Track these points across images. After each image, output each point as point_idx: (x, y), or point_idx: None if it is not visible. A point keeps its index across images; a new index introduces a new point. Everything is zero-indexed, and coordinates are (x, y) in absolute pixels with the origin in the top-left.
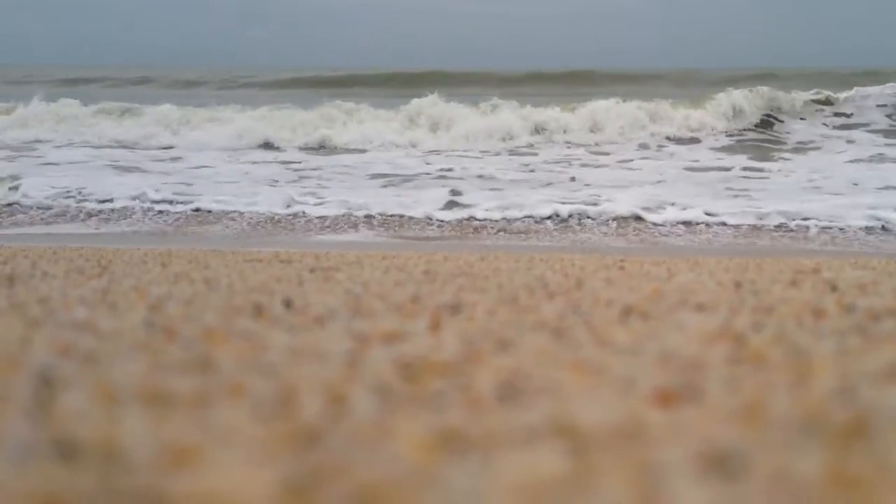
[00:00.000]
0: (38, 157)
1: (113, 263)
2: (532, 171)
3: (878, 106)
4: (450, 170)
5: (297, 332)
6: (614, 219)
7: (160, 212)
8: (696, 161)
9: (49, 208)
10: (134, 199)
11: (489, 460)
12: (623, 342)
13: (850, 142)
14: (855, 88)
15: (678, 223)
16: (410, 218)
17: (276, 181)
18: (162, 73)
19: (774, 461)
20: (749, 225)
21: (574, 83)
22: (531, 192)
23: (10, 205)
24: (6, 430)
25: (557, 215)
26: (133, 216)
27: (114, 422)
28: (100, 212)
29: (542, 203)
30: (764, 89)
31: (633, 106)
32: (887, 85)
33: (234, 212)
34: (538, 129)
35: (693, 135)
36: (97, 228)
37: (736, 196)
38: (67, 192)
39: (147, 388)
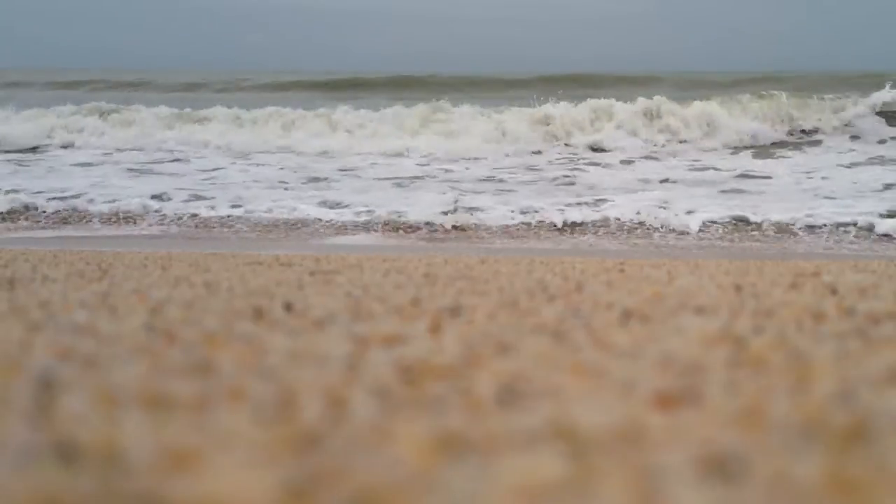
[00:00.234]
0: (44, 159)
1: (113, 267)
2: (535, 173)
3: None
4: (452, 171)
5: (297, 335)
6: (616, 221)
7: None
8: (699, 162)
9: (73, 210)
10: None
11: (489, 464)
12: (623, 345)
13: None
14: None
15: (679, 225)
16: (412, 220)
17: (286, 183)
18: (160, 76)
19: (774, 465)
20: (750, 227)
21: (581, 85)
22: (533, 195)
23: (27, 208)
24: (7, 433)
25: (563, 221)
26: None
27: (114, 425)
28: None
29: (543, 206)
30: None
31: (639, 107)
32: None
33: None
34: (546, 134)
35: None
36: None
37: (736, 197)
38: (88, 197)
39: (147, 392)
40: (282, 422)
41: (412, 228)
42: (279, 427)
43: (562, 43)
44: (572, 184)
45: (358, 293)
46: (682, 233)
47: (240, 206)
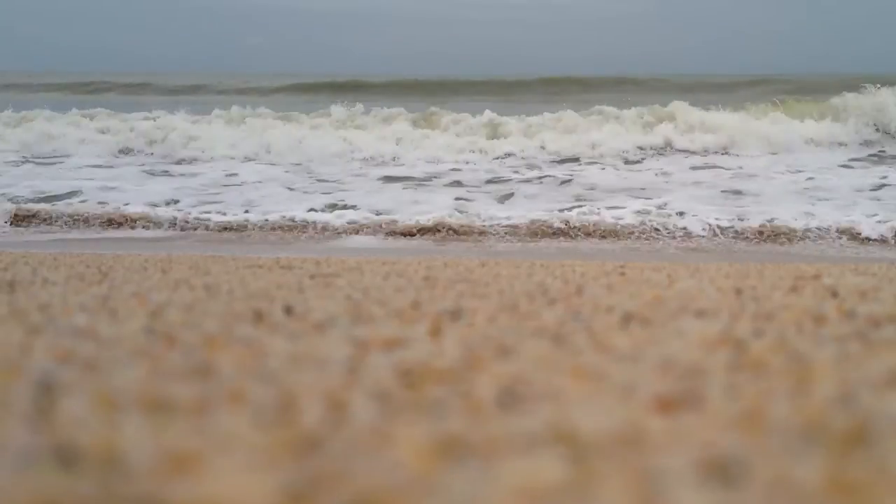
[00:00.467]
0: (53, 162)
1: (113, 270)
2: (537, 174)
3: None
4: (458, 171)
5: (297, 338)
6: (618, 223)
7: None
8: (699, 165)
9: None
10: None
11: (489, 467)
12: (623, 348)
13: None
14: None
15: (679, 228)
16: (412, 222)
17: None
18: (161, 79)
19: (775, 468)
20: (750, 229)
21: (580, 89)
22: (534, 197)
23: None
24: (7, 436)
25: (564, 222)
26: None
27: (114, 428)
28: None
29: (544, 208)
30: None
31: (643, 110)
32: None
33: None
34: (546, 139)
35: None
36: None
37: (737, 199)
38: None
39: (147, 395)
40: (282, 425)
41: (412, 231)
42: (279, 430)
43: (562, 44)
44: (572, 185)
45: (358, 296)
46: (683, 236)
47: (246, 209)
